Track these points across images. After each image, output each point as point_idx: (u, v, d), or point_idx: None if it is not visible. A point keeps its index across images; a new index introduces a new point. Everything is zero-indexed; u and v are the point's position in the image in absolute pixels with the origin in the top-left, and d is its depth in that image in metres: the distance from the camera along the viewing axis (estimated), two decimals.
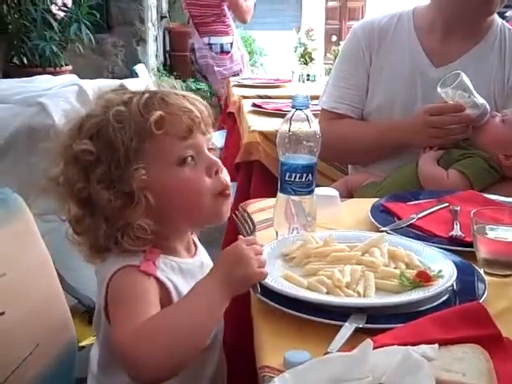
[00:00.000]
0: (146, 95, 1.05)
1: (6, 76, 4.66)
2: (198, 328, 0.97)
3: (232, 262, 1.01)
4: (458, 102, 1.73)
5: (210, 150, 1.10)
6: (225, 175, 1.09)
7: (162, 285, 1.03)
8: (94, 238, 1.05)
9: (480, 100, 1.73)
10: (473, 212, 1.20)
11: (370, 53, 1.93)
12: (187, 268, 1.08)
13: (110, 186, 1.02)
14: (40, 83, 2.46)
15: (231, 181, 1.14)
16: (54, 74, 4.08)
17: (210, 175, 1.06)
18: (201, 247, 1.17)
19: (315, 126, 1.28)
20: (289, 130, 1.28)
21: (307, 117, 1.28)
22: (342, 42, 4.21)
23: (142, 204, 1.02)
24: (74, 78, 2.65)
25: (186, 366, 0.97)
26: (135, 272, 1.01)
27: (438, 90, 1.75)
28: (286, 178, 1.29)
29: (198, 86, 6.81)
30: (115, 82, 1.91)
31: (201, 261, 1.13)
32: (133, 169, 1.01)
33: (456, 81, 1.72)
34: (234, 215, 1.17)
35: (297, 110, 1.28)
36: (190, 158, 1.05)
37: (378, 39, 1.93)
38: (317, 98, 2.04)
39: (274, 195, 1.36)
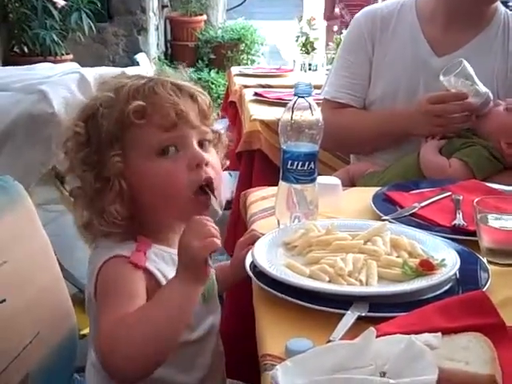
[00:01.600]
0: (140, 82, 1.06)
1: (7, 65, 4.63)
2: (171, 320, 0.97)
3: (181, 251, 1.00)
4: (460, 91, 1.72)
5: (208, 142, 1.10)
6: (209, 170, 1.07)
7: (151, 276, 1.03)
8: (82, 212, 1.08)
9: (483, 88, 1.72)
10: (476, 201, 1.19)
11: (373, 42, 1.92)
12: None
13: (93, 168, 1.04)
14: (41, 71, 2.45)
15: (233, 170, 1.14)
16: (54, 62, 4.05)
17: (191, 168, 1.05)
18: None
19: (317, 114, 1.27)
20: (291, 118, 1.26)
21: (309, 105, 1.27)
22: (344, 31, 4.19)
23: (116, 190, 1.03)
24: (75, 65, 2.64)
25: (163, 362, 0.97)
26: (124, 263, 1.02)
27: (441, 78, 1.73)
28: (288, 166, 1.28)
29: (199, 76, 6.80)
30: (116, 70, 1.91)
31: None
32: (111, 155, 1.03)
33: (458, 69, 1.71)
34: None
35: (299, 97, 1.27)
36: (172, 150, 1.05)
37: (381, 28, 1.92)
38: (318, 87, 2.03)
39: (275, 184, 1.36)
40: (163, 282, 1.04)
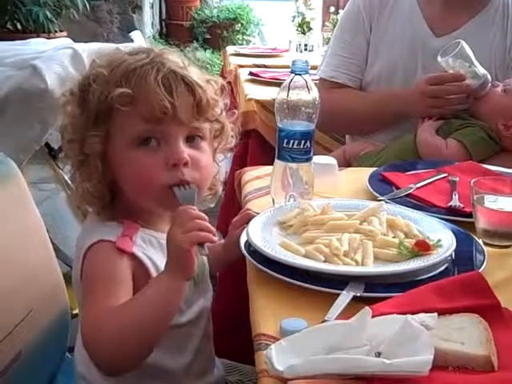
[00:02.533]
0: (137, 63, 1.01)
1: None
2: (156, 313, 0.95)
3: (168, 243, 0.96)
4: (458, 72, 1.71)
5: (201, 137, 1.05)
6: (188, 171, 1.01)
7: (139, 261, 1.02)
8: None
9: (481, 70, 1.71)
10: (473, 181, 1.18)
11: (370, 21, 1.90)
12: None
13: (78, 141, 1.03)
14: (34, 46, 2.42)
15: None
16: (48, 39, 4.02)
17: (167, 166, 1.01)
18: None
19: (314, 93, 1.26)
20: (287, 96, 1.25)
21: (306, 83, 1.25)
22: (341, 11, 4.16)
23: (91, 169, 1.02)
24: (68, 41, 2.61)
25: (148, 355, 0.96)
26: (110, 249, 1.00)
27: (439, 59, 1.72)
28: (284, 145, 1.26)
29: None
30: (111, 46, 1.88)
31: None
32: (91, 134, 1.01)
33: (456, 49, 1.70)
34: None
35: (296, 75, 1.25)
36: (154, 142, 1.01)
37: (379, 8, 1.90)
38: (314, 68, 2.01)
39: (270, 164, 1.35)
40: (150, 267, 1.03)
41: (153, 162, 1.00)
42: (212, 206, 1.16)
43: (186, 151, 1.02)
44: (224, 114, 1.11)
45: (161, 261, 1.02)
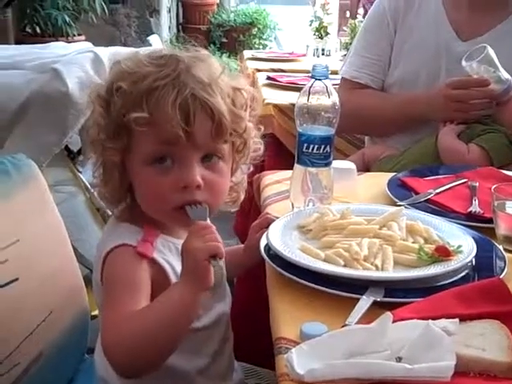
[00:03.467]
0: (158, 82, 0.98)
1: (19, 45, 4.63)
2: (171, 322, 0.95)
3: (184, 254, 0.96)
4: (482, 77, 1.70)
5: (219, 157, 1.03)
6: (199, 194, 1.00)
7: (158, 266, 1.02)
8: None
9: (505, 75, 1.69)
10: (493, 187, 1.18)
11: (395, 24, 1.89)
12: None
13: (98, 143, 1.03)
14: (54, 50, 2.43)
15: None
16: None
17: (178, 188, 1.00)
18: None
19: (334, 97, 1.26)
20: (307, 101, 1.25)
21: (326, 87, 1.26)
22: (359, 16, 4.16)
23: (108, 175, 1.03)
24: (88, 45, 2.62)
25: (164, 361, 0.97)
26: (131, 253, 1.00)
27: (463, 63, 1.71)
28: (304, 150, 1.27)
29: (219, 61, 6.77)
30: (131, 50, 1.89)
31: None
32: (109, 145, 1.01)
33: (482, 54, 1.68)
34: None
35: (316, 79, 1.25)
36: (168, 161, 1.00)
37: (404, 10, 1.89)
38: (334, 72, 2.01)
39: (287, 168, 1.35)
40: (170, 273, 1.03)
41: (166, 182, 1.00)
42: (232, 210, 1.16)
43: (199, 174, 1.00)
44: (250, 127, 1.08)
45: (180, 267, 1.01)
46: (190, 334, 1.05)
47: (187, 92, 0.98)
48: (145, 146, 1.00)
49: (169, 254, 1.05)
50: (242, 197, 1.16)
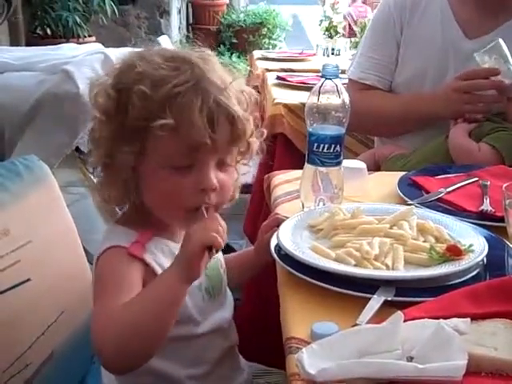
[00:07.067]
0: (179, 87, 0.98)
1: (29, 46, 4.65)
2: (155, 313, 0.95)
3: (184, 238, 0.97)
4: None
5: (231, 159, 1.06)
6: (213, 196, 1.03)
7: (149, 268, 1.03)
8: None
9: None
10: (505, 186, 1.17)
11: (401, 23, 1.89)
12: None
13: (107, 143, 1.02)
14: (65, 51, 2.45)
15: None
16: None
17: (196, 190, 1.01)
18: None
19: (344, 97, 1.26)
20: (318, 100, 1.25)
21: (336, 87, 1.25)
22: (369, 15, 4.15)
23: (115, 177, 1.02)
24: (99, 46, 2.64)
25: (152, 355, 0.96)
26: (122, 254, 1.01)
27: (474, 54, 1.70)
28: (314, 149, 1.27)
29: (220, 60, 6.77)
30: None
31: None
32: (124, 150, 1.00)
33: (491, 43, 1.67)
34: None
35: (326, 79, 1.25)
36: (185, 166, 1.01)
37: (410, 9, 1.88)
38: (343, 72, 2.01)
39: (297, 168, 1.35)
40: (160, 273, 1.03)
41: (183, 184, 1.01)
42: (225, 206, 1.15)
43: (215, 176, 1.02)
44: (253, 129, 1.09)
45: None
46: (191, 340, 1.06)
47: (211, 99, 1.00)
48: (165, 151, 1.00)
49: (161, 256, 1.05)
50: (237, 195, 1.17)
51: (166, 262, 1.04)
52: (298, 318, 0.94)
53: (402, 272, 1.01)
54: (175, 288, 0.95)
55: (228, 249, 1.14)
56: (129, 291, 0.97)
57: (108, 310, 0.95)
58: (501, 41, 1.68)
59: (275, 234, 1.12)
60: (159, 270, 1.03)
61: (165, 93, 0.98)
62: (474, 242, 1.08)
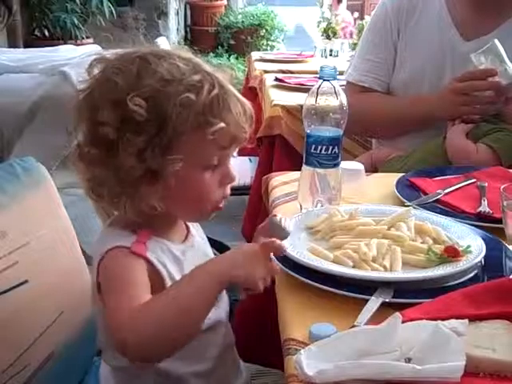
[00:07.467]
0: (215, 91, 0.99)
1: (28, 48, 4.65)
2: (189, 313, 0.95)
3: (238, 261, 0.97)
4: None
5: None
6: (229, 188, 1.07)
7: (152, 266, 1.02)
8: (97, 184, 1.02)
9: None
10: (503, 187, 1.17)
11: (398, 26, 1.89)
12: (176, 252, 1.06)
13: (140, 156, 0.97)
14: (63, 53, 2.44)
15: (253, 155, 1.12)
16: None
17: (221, 185, 1.04)
18: (194, 230, 1.14)
19: (342, 98, 1.26)
20: (315, 102, 1.25)
21: (334, 88, 1.26)
22: (367, 17, 4.15)
23: (163, 188, 1.00)
24: (97, 48, 2.63)
25: (182, 347, 0.96)
26: (125, 254, 1.00)
27: (470, 55, 1.70)
28: (312, 151, 1.27)
29: (219, 61, 6.78)
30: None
31: (191, 245, 1.11)
32: (171, 157, 0.98)
33: (488, 44, 1.68)
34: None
35: (324, 80, 1.25)
36: (216, 164, 1.03)
37: (407, 12, 1.88)
38: (341, 73, 2.01)
39: (295, 169, 1.35)
40: (164, 272, 1.03)
41: (212, 181, 1.03)
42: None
43: None
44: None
45: (172, 267, 1.03)
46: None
47: (241, 99, 1.03)
48: (201, 152, 1.00)
49: (161, 254, 1.05)
50: None
51: (166, 260, 1.04)
52: (297, 319, 0.94)
53: (399, 273, 1.01)
54: (210, 291, 0.96)
55: (225, 250, 1.14)
56: (140, 289, 0.97)
57: (126, 312, 0.93)
58: (496, 41, 1.68)
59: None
60: (162, 268, 1.03)
61: (203, 98, 0.98)
62: (472, 244, 1.09)
